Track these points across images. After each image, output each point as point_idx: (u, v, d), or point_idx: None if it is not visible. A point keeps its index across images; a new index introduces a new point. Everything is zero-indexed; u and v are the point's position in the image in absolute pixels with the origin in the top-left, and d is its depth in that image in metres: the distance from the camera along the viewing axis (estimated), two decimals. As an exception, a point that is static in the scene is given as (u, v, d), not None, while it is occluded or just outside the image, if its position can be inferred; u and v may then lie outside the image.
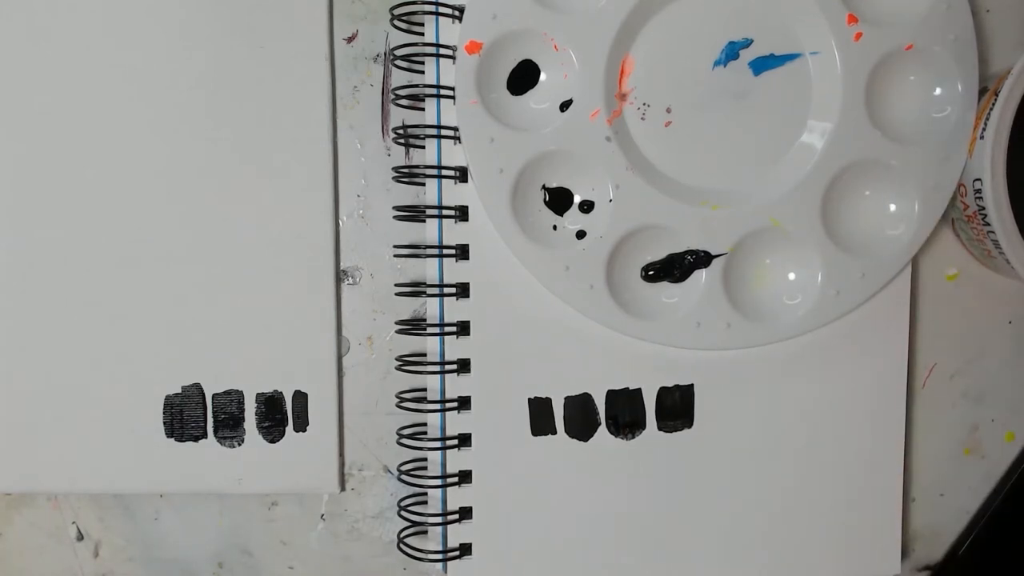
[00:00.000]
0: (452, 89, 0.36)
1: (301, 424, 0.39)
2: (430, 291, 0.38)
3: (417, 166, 0.39)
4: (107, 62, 0.38)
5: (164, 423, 0.39)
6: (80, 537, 0.41)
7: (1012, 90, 0.33)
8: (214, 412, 0.39)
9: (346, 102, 0.39)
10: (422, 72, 0.38)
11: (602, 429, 0.39)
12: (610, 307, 0.37)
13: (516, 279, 0.37)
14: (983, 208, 0.35)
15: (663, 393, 0.39)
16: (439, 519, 0.38)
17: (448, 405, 0.38)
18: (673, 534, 0.39)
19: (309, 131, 0.38)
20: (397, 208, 0.38)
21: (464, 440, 0.38)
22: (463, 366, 0.38)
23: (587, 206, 0.37)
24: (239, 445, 0.39)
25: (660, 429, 0.39)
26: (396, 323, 0.39)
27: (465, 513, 0.38)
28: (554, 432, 0.39)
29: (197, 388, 0.39)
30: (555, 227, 0.37)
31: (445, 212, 0.38)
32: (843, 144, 0.36)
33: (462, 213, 0.38)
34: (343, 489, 0.40)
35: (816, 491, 0.39)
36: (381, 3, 0.38)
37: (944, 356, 0.40)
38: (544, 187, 0.37)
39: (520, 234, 0.36)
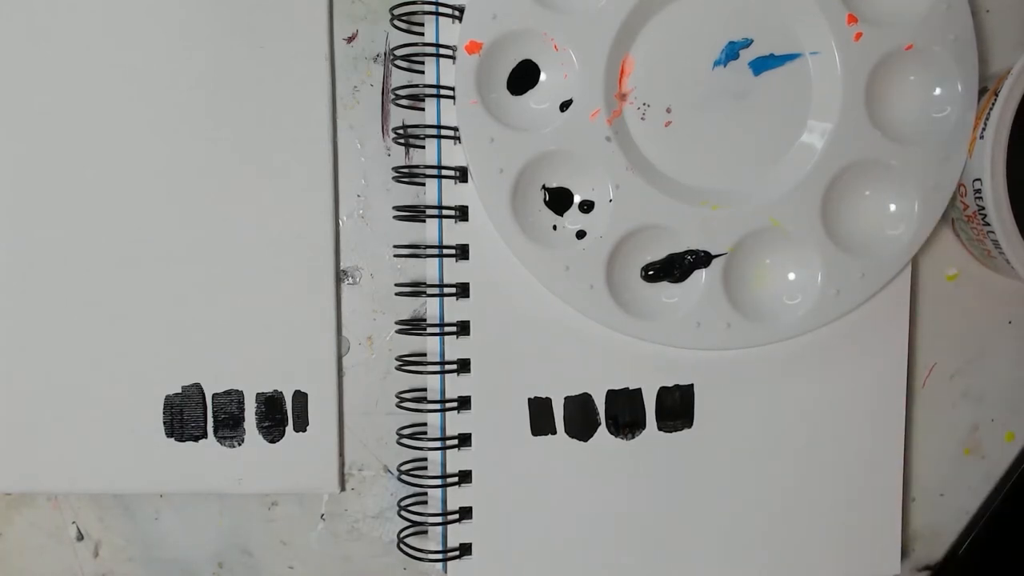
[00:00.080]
0: (452, 89, 0.36)
1: (301, 424, 0.39)
2: (430, 291, 0.38)
3: (417, 166, 0.39)
4: (107, 62, 0.38)
5: (164, 423, 0.39)
6: (80, 537, 0.41)
7: (1012, 90, 0.33)
8: (214, 412, 0.39)
9: (346, 102, 0.39)
10: (422, 72, 0.38)
11: (602, 429, 0.39)
12: (610, 307, 0.37)
13: (516, 279, 0.37)
14: (983, 208, 0.35)
15: (663, 393, 0.39)
16: (439, 519, 0.38)
17: (448, 405, 0.38)
18: (673, 534, 0.39)
19: (309, 131, 0.38)
20: (397, 208, 0.38)
21: (464, 440, 0.38)
22: (463, 366, 0.38)
23: (587, 206, 0.37)
24: (239, 445, 0.39)
25: (660, 429, 0.39)
26: (396, 323, 0.39)
27: (465, 513, 0.38)
28: (554, 432, 0.39)
29: (197, 388, 0.39)
30: (555, 227, 0.37)
31: (445, 212, 0.38)
32: (843, 144, 0.36)
33: (462, 213, 0.38)
34: (343, 489, 0.40)
35: (816, 491, 0.39)
36: (381, 3, 0.38)
37: (944, 356, 0.40)
38: (544, 187, 0.37)
39: (520, 234, 0.36)
